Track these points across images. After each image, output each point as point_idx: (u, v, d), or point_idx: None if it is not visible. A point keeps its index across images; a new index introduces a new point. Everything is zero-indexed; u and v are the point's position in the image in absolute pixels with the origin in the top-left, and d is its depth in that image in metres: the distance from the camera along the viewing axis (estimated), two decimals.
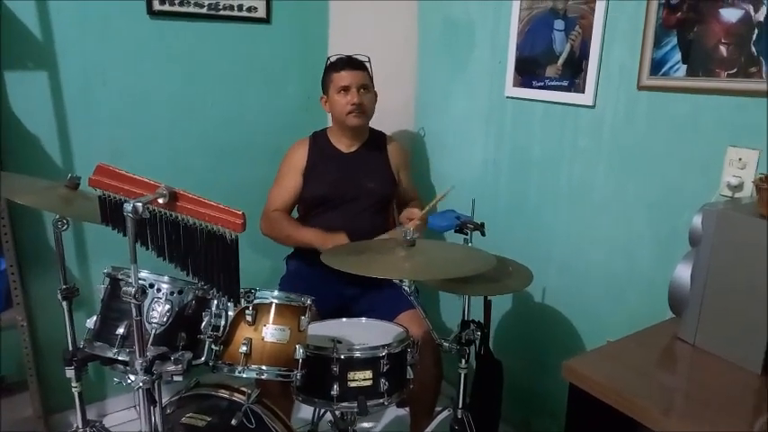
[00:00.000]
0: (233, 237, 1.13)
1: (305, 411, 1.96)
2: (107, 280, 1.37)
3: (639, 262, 1.76)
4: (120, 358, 1.29)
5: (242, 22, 2.25)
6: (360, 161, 2.16)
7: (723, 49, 1.48)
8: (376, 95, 2.16)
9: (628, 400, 1.12)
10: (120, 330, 1.29)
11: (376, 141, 2.21)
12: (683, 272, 1.32)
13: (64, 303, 1.57)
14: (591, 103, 1.83)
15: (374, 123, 2.23)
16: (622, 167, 1.78)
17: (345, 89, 2.06)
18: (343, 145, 2.16)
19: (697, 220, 1.29)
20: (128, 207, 1.07)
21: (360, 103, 2.05)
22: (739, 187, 1.47)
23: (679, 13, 1.56)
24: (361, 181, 2.12)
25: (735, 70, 1.46)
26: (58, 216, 1.51)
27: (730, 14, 1.46)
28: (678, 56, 1.58)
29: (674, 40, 1.58)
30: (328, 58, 2.15)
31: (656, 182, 1.69)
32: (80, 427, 1.63)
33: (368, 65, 2.12)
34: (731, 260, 1.21)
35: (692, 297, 1.29)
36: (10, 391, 2.08)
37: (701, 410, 1.10)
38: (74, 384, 1.57)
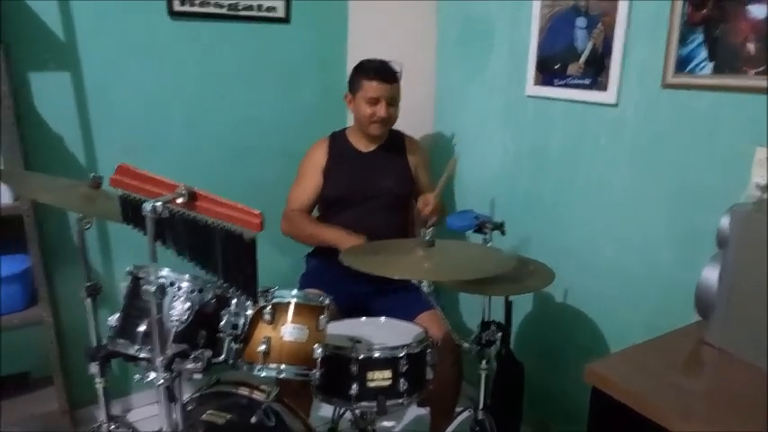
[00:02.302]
0: (251, 236, 1.13)
1: (325, 410, 1.96)
2: (129, 278, 1.38)
3: (661, 263, 1.73)
4: (141, 355, 1.30)
5: (261, 22, 2.26)
6: (377, 160, 2.15)
7: (750, 46, 1.44)
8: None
9: (651, 404, 1.10)
10: (142, 328, 1.30)
11: (394, 141, 2.20)
12: (711, 274, 1.29)
13: (88, 300, 1.59)
14: (614, 102, 1.80)
15: None
16: (645, 167, 1.75)
17: (374, 101, 2.03)
18: (362, 145, 2.16)
19: (725, 222, 1.26)
20: (147, 207, 1.08)
21: (386, 118, 2.05)
22: None
23: (704, 10, 1.53)
24: (377, 180, 2.11)
25: (762, 68, 1.42)
26: (81, 215, 1.53)
27: (757, 11, 1.42)
28: (704, 53, 1.54)
29: (700, 38, 1.55)
30: (362, 62, 2.08)
31: (680, 182, 1.66)
32: (104, 421, 1.65)
33: (399, 74, 2.08)
34: (759, 263, 1.18)
35: (718, 300, 1.26)
36: (36, 386, 2.12)
37: (725, 416, 1.08)
38: (98, 380, 1.59)
